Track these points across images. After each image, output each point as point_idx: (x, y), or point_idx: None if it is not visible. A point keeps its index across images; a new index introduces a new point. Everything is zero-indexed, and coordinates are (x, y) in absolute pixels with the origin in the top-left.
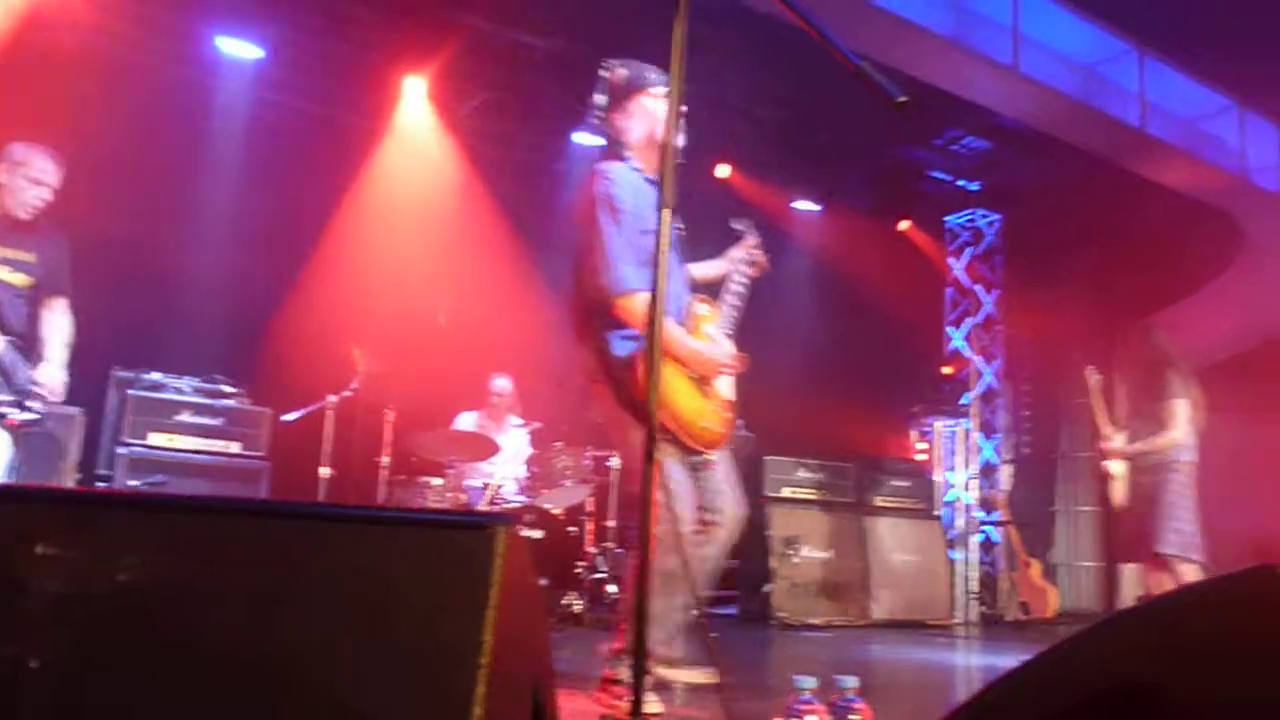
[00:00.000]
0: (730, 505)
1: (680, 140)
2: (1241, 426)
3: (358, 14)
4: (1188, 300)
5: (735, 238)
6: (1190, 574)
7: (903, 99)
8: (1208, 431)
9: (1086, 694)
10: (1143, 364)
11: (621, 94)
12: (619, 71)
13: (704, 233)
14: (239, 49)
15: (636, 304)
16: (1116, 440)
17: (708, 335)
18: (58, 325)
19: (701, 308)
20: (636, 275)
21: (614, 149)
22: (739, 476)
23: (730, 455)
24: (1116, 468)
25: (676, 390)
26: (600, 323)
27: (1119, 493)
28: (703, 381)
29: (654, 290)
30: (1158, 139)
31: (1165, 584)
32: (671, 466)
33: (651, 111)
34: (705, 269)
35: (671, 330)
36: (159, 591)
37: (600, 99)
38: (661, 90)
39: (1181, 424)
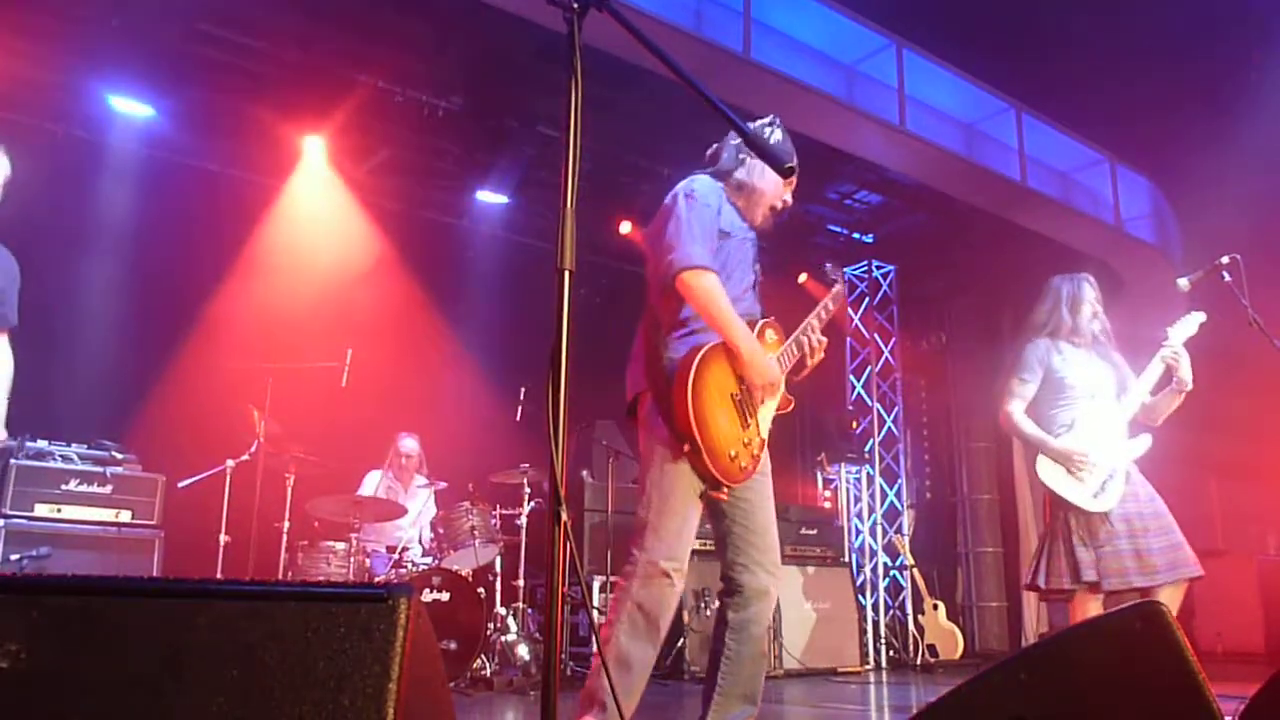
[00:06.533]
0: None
1: None
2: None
3: (257, 71)
4: None
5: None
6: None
7: (790, 165)
8: None
9: None
10: None
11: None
12: (777, 133)
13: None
14: (131, 107)
15: (700, 280)
16: None
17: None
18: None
19: (770, 333)
20: (703, 254)
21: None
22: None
23: (762, 500)
24: None
25: (714, 405)
26: (660, 332)
27: None
28: (746, 407)
29: (555, 351)
30: (1037, 192)
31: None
32: (676, 485)
33: (766, 189)
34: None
35: (736, 319)
36: (45, 679)
37: (748, 148)
38: (786, 184)
39: None
